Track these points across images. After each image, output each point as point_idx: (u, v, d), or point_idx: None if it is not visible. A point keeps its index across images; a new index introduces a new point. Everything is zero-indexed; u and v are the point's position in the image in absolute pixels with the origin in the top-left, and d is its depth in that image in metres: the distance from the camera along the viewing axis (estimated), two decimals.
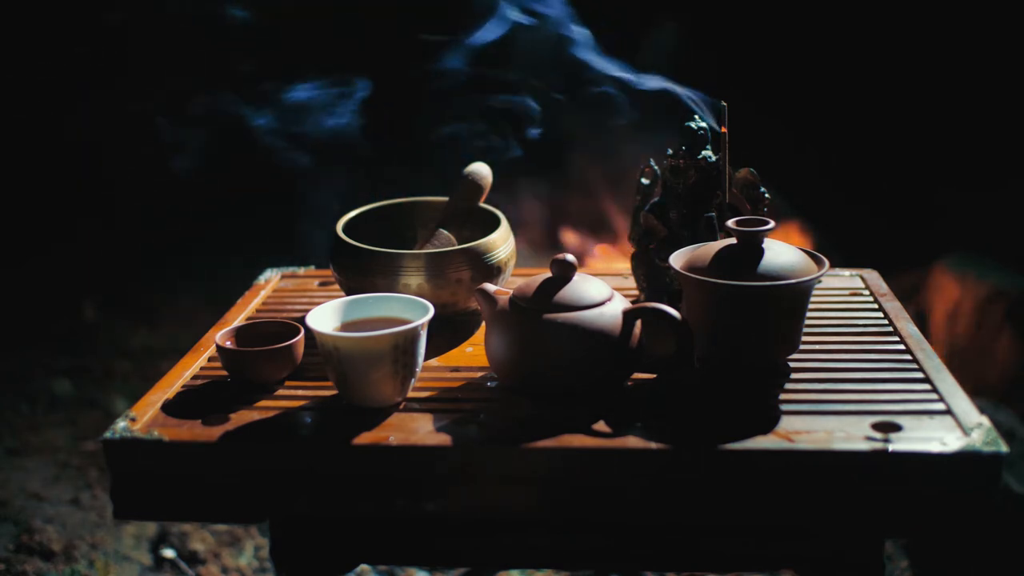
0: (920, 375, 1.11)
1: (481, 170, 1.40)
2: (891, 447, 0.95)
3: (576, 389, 1.05)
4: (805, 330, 1.15)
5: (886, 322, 1.26)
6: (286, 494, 1.02)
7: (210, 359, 1.22)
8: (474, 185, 1.38)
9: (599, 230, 2.85)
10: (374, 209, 1.42)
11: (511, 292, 1.09)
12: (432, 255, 1.24)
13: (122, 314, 3.33)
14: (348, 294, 1.25)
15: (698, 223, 1.26)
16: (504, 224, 1.33)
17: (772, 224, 1.10)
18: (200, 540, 2.10)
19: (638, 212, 1.33)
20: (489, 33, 1.31)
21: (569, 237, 2.83)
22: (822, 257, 1.11)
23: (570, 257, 1.07)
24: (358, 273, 1.25)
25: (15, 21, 3.40)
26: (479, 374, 1.16)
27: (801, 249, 1.13)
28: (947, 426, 0.99)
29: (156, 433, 1.03)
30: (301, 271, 1.56)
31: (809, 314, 1.20)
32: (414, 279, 1.23)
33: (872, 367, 1.13)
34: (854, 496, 0.96)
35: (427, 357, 1.19)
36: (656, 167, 1.34)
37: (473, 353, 1.23)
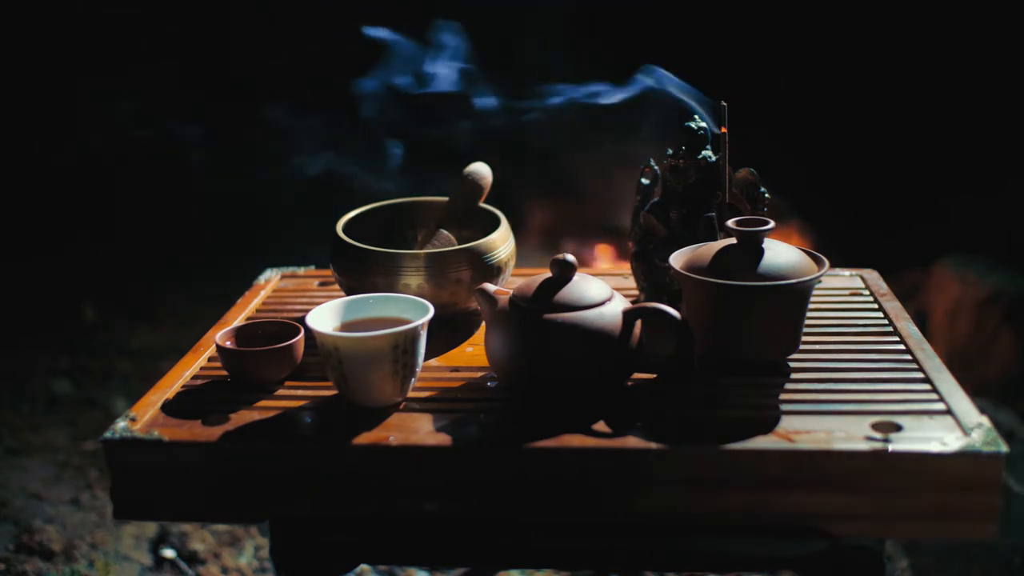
0: (920, 375, 1.11)
1: (481, 170, 1.39)
2: (891, 447, 0.95)
3: (576, 389, 1.05)
4: (805, 330, 1.15)
5: (886, 322, 1.26)
6: (286, 494, 1.02)
7: (210, 359, 1.22)
8: (474, 185, 1.38)
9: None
10: (374, 209, 1.42)
11: (511, 292, 1.09)
12: (432, 255, 1.24)
13: (122, 314, 3.33)
14: (348, 294, 1.25)
15: (698, 223, 1.26)
16: (504, 224, 1.33)
17: (772, 224, 1.10)
18: (200, 540, 2.10)
19: (638, 212, 1.33)
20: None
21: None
22: (822, 257, 1.11)
23: (570, 257, 1.07)
24: (358, 273, 1.25)
25: (18, 23, 3.40)
26: (479, 374, 1.16)
27: (801, 249, 1.13)
28: (947, 426, 0.99)
29: (156, 433, 1.03)
30: (301, 271, 1.56)
31: (809, 314, 1.20)
32: (414, 279, 1.23)
33: (872, 367, 1.13)
34: (854, 496, 0.96)
35: (427, 357, 1.19)
36: (656, 167, 1.34)
37: (473, 353, 1.23)
